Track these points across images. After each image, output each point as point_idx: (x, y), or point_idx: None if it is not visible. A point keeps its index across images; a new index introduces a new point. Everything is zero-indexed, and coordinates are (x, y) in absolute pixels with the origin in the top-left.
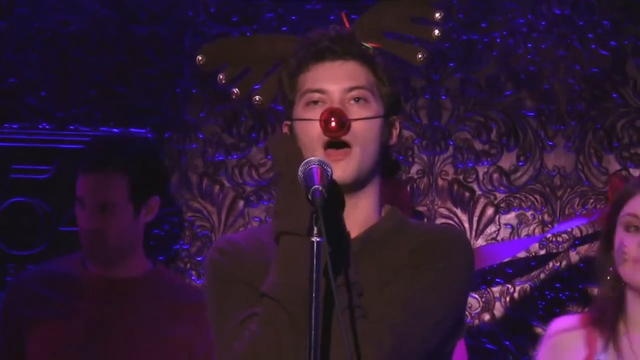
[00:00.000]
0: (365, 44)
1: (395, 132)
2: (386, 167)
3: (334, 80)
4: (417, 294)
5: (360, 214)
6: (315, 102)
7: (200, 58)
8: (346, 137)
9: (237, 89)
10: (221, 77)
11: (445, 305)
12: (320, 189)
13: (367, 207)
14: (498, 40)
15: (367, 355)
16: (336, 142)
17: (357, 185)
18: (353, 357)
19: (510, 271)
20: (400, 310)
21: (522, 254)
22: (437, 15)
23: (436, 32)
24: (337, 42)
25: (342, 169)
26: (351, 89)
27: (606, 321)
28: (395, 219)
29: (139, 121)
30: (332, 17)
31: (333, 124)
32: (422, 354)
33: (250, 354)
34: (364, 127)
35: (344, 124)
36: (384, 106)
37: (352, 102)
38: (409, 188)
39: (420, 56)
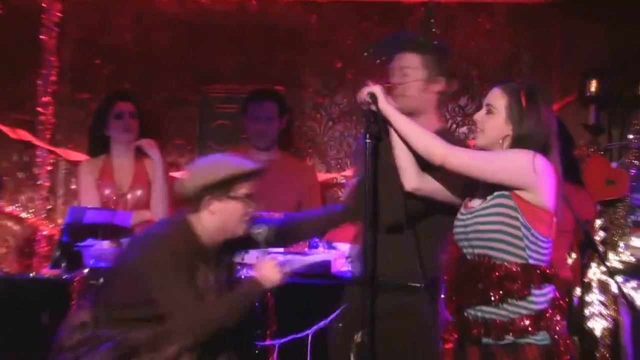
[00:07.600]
0: (423, 37)
1: (438, 84)
2: (440, 98)
3: (396, 65)
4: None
5: None
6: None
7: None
8: (397, 91)
9: None
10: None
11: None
12: (373, 108)
13: (423, 125)
14: None
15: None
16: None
17: (407, 113)
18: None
19: None
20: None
21: None
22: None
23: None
24: (400, 40)
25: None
26: (401, 68)
27: None
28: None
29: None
30: None
31: (383, 87)
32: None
33: None
34: (403, 87)
35: (387, 88)
36: (428, 73)
37: (400, 75)
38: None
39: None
